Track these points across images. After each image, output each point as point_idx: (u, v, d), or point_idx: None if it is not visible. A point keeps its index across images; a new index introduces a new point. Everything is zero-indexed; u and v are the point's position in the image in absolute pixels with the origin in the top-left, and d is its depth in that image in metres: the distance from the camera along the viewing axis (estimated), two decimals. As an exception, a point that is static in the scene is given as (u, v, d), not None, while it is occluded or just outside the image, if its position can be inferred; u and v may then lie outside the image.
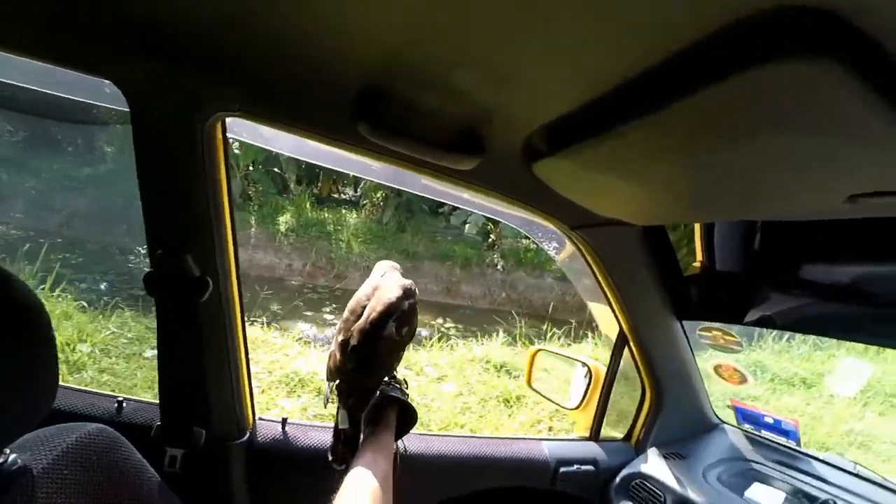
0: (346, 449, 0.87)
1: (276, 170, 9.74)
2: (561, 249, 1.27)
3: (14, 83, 0.85)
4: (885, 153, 0.43)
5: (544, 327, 5.87)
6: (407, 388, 0.99)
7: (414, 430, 1.00)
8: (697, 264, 1.21)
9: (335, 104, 0.72)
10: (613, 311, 1.28)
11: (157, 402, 1.01)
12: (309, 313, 6.48)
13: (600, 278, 1.21)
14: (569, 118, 0.61)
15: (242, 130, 0.89)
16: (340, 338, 0.88)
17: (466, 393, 3.76)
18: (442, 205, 9.21)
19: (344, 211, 9.59)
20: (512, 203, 1.02)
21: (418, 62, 0.57)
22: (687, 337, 1.32)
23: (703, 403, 1.42)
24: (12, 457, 0.55)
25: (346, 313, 0.91)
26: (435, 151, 0.77)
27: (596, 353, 5.10)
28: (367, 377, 0.87)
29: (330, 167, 1.11)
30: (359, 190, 10.32)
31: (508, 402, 3.64)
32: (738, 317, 1.19)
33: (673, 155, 0.57)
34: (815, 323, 1.11)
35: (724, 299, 1.21)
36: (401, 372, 0.99)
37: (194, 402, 0.98)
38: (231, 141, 0.91)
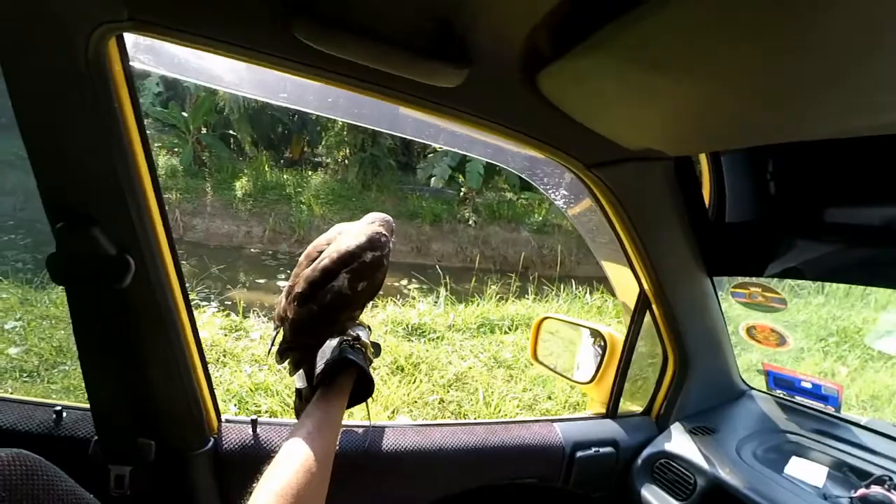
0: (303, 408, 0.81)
1: (230, 132, 9.19)
2: (570, 198, 1.03)
3: None
4: None
5: (511, 284, 5.75)
6: (376, 354, 0.90)
7: (410, 421, 0.83)
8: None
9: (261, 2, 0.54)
10: (634, 269, 1.08)
11: None
12: (261, 281, 6.29)
13: (620, 229, 1.01)
14: None
15: (146, 54, 0.68)
16: (289, 283, 0.81)
17: None
18: (413, 159, 8.90)
19: (310, 172, 9.20)
20: (512, 136, 0.80)
21: None
22: (717, 296, 1.13)
23: (731, 369, 1.27)
24: None
25: (301, 257, 0.82)
26: (403, 60, 0.58)
27: (567, 310, 5.07)
28: (309, 331, 0.79)
29: (263, 98, 0.82)
30: (321, 147, 9.84)
31: (402, 369, 3.42)
32: (773, 270, 1.03)
33: (751, 31, 0.42)
34: (853, 270, 1.00)
35: (759, 251, 1.05)
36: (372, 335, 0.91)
37: (136, 409, 0.83)
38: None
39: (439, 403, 3.09)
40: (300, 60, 0.62)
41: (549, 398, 3.23)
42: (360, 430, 1.03)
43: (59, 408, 0.91)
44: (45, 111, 0.62)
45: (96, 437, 0.83)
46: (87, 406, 0.91)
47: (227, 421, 0.97)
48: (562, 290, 5.46)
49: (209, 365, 0.89)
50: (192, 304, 0.85)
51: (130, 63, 0.65)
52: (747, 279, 1.10)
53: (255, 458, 0.93)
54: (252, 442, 0.95)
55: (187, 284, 0.86)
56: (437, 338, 3.99)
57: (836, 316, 4.59)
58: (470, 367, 3.52)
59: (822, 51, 0.43)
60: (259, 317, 4.17)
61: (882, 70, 0.45)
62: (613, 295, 5.23)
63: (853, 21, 0.38)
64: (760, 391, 1.31)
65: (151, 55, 0.69)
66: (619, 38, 0.46)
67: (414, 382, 3.25)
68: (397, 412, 2.95)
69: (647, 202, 0.97)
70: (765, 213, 1.04)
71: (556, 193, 1.03)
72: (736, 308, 1.21)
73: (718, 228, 1.06)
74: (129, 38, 0.63)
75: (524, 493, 1.15)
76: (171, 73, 0.74)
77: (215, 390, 0.95)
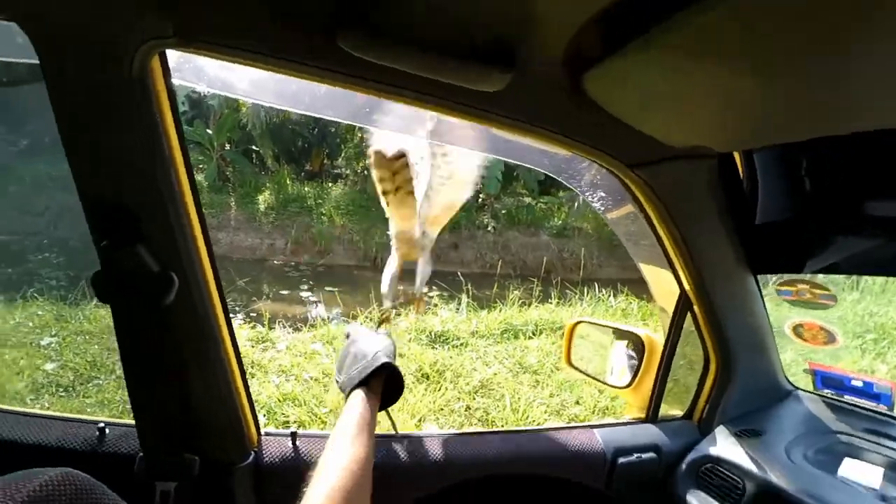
0: None
1: (252, 147, 9.40)
2: (608, 200, 1.02)
3: None
4: None
5: (534, 289, 5.67)
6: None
7: (452, 430, 0.83)
8: None
9: (305, 13, 0.56)
10: (675, 269, 1.06)
11: None
12: (284, 292, 6.38)
13: (661, 230, 0.99)
14: None
15: (187, 71, 0.69)
16: None
17: None
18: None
19: (329, 184, 9.33)
20: (552, 139, 0.80)
21: None
22: (761, 293, 1.10)
23: (776, 369, 1.24)
24: None
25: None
26: (448, 67, 0.59)
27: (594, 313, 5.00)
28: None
29: (303, 112, 0.83)
30: (341, 159, 9.98)
31: (427, 377, 3.38)
32: (814, 267, 1.03)
33: (813, 27, 0.42)
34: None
35: (798, 248, 1.04)
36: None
37: (180, 424, 0.83)
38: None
39: (465, 410, 3.07)
40: (344, 71, 0.62)
41: (577, 403, 3.19)
42: (396, 441, 1.03)
43: (101, 424, 0.92)
44: (89, 128, 0.63)
45: (141, 454, 0.84)
46: (130, 422, 0.92)
47: (267, 434, 0.97)
48: (585, 293, 5.38)
49: (243, 377, 0.92)
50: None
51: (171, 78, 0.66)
52: (794, 276, 1.07)
53: (296, 470, 0.93)
54: (292, 454, 0.95)
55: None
56: (461, 344, 3.97)
57: (873, 312, 4.43)
58: (495, 374, 3.48)
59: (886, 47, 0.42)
60: (284, 328, 4.22)
61: None
62: (640, 298, 5.16)
63: None
64: (807, 391, 1.27)
65: (192, 70, 0.70)
66: (679, 31, 0.45)
67: (439, 390, 3.23)
68: (424, 420, 2.94)
69: (689, 201, 0.96)
70: (803, 209, 1.01)
71: (594, 196, 1.03)
72: (781, 307, 1.18)
73: (762, 226, 1.04)
74: (171, 55, 0.64)
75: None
76: (212, 88, 0.76)
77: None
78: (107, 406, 2.94)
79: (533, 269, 8.11)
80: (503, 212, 8.91)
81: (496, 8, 0.53)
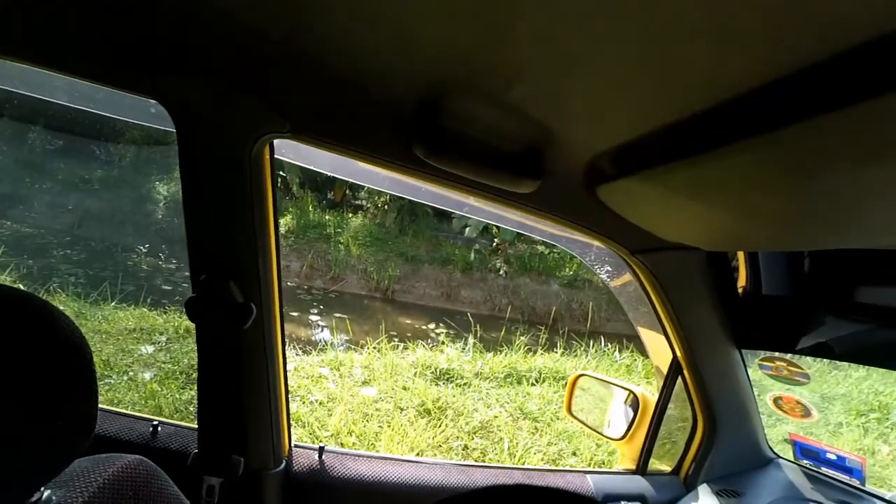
0: None
1: (280, 172, 9.74)
2: (614, 273, 1.18)
3: (60, 102, 0.88)
4: None
5: (541, 336, 5.76)
6: None
7: (456, 461, 0.95)
8: (739, 289, 1.15)
9: (390, 124, 0.71)
10: (668, 338, 1.20)
11: (193, 427, 1.01)
12: (294, 314, 6.53)
13: (657, 304, 1.14)
14: (642, 141, 0.58)
15: (289, 151, 0.87)
16: None
17: (386, 399, 3.56)
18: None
19: (350, 214, 9.56)
20: (569, 226, 0.97)
21: (479, 73, 0.55)
22: (745, 367, 1.23)
23: (758, 437, 1.34)
24: (47, 493, 0.54)
25: None
26: (493, 174, 0.75)
27: (594, 367, 5.02)
28: None
29: (378, 189, 1.02)
30: (363, 192, 10.28)
31: (429, 412, 3.46)
32: (802, 346, 1.12)
33: (767, 182, 0.52)
34: (881, 352, 1.03)
35: (789, 327, 1.13)
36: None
37: (233, 429, 0.96)
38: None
39: (463, 450, 3.12)
40: (414, 168, 0.79)
41: (574, 454, 3.22)
42: (406, 465, 1.15)
43: (156, 422, 1.06)
44: (207, 189, 0.79)
45: (196, 451, 0.97)
46: (179, 423, 1.08)
47: (297, 446, 1.10)
48: (591, 345, 5.42)
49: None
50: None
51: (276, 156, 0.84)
52: (774, 353, 1.20)
53: (320, 481, 1.07)
54: (318, 467, 1.08)
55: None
56: (465, 384, 4.04)
57: (879, 391, 4.35)
58: (496, 416, 3.54)
59: (828, 201, 0.53)
60: (294, 349, 4.35)
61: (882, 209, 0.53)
62: (645, 356, 5.16)
63: (851, 183, 0.46)
64: (788, 460, 1.36)
65: (293, 151, 0.88)
66: (675, 175, 0.57)
67: (440, 426, 3.30)
68: (422, 455, 2.98)
69: (682, 284, 1.10)
70: (795, 290, 1.10)
71: (601, 269, 1.19)
72: (767, 379, 1.29)
73: (748, 306, 1.15)
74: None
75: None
76: (307, 165, 0.95)
77: None
78: (115, 406, 3.04)
79: (541, 316, 8.15)
80: (516, 258, 9.03)
81: (533, 135, 0.69)
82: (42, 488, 0.54)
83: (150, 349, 3.78)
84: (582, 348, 5.39)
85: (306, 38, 0.55)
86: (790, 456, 1.35)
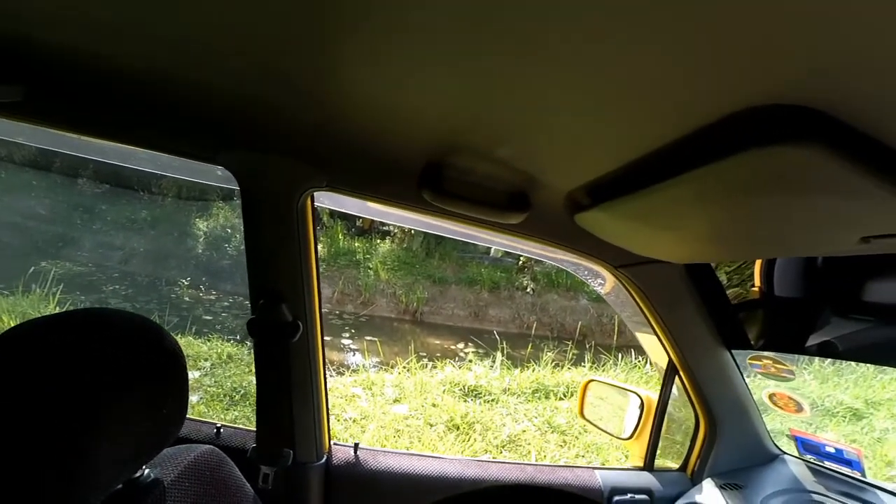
0: None
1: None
2: (604, 285, 1.31)
3: (144, 169, 1.05)
4: (884, 206, 0.48)
5: (568, 351, 5.78)
6: None
7: (472, 456, 1.09)
8: (756, 289, 1.22)
9: (405, 177, 0.87)
10: (661, 342, 1.30)
11: (247, 428, 1.20)
12: (328, 338, 6.69)
13: (646, 312, 1.24)
14: (608, 177, 0.69)
15: (325, 199, 1.07)
16: None
17: (416, 416, 3.68)
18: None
19: (377, 240, 9.82)
20: (557, 248, 1.11)
21: (472, 140, 0.70)
22: (738, 366, 1.32)
23: (760, 433, 1.41)
24: (147, 471, 0.68)
25: None
26: (486, 210, 0.90)
27: (630, 378, 5.00)
28: None
29: (396, 223, 1.22)
30: (390, 219, 10.52)
31: (458, 427, 3.57)
32: (790, 345, 1.20)
33: (704, 207, 0.63)
34: (878, 350, 1.10)
35: (775, 327, 1.22)
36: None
37: (285, 427, 1.13)
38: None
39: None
40: (424, 209, 0.97)
41: (603, 465, 3.24)
42: (429, 460, 1.31)
43: (219, 425, 1.25)
44: (264, 233, 0.98)
45: (255, 445, 1.14)
46: (236, 425, 1.26)
47: (335, 444, 1.27)
48: (619, 359, 5.43)
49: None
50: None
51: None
52: (762, 353, 1.28)
53: (356, 475, 1.23)
54: (353, 461, 1.24)
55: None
56: (493, 400, 4.14)
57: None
58: (524, 431, 3.62)
59: (746, 223, 0.64)
60: (329, 370, 4.51)
61: (796, 227, 0.63)
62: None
63: (773, 208, 0.56)
64: (792, 455, 1.43)
65: (329, 199, 1.08)
66: (632, 203, 0.67)
67: (468, 441, 3.40)
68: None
69: (664, 292, 1.20)
70: (803, 291, 1.15)
71: (594, 282, 1.32)
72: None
73: (732, 308, 1.25)
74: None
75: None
76: (340, 209, 1.16)
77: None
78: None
79: (569, 331, 8.12)
80: (543, 274, 9.05)
81: (518, 179, 0.82)
82: (144, 467, 0.67)
83: (197, 374, 4.05)
84: (611, 362, 5.38)
85: (340, 113, 0.70)
86: (795, 452, 1.42)
